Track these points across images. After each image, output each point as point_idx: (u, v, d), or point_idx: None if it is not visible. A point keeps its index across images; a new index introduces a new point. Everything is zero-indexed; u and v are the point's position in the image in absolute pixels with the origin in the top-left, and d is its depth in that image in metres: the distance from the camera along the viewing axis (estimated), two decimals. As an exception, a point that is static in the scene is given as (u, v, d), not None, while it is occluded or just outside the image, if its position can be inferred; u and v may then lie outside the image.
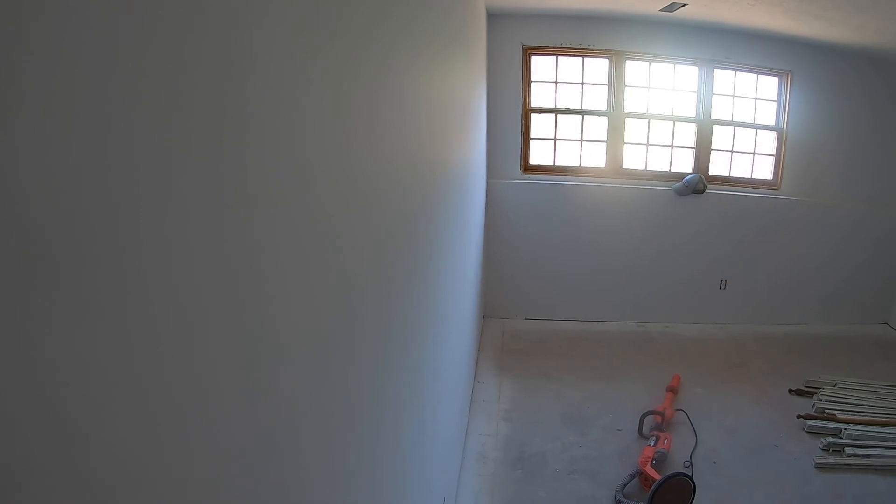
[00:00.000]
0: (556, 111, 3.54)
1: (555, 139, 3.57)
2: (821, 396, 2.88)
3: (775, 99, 3.86)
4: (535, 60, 3.52)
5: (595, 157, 3.61)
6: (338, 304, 0.64)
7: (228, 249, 0.38)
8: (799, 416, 2.70)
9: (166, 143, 0.30)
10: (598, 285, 3.69)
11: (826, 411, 2.74)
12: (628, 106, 3.57)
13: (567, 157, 3.60)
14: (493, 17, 3.43)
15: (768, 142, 3.89)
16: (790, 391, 2.99)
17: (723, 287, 3.85)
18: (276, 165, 0.45)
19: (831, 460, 2.42)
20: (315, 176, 0.54)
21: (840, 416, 2.70)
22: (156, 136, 0.29)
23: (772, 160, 3.90)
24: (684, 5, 3.18)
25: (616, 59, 3.54)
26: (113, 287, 0.26)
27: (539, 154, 3.58)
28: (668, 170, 3.69)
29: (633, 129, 3.60)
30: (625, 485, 2.14)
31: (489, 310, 3.66)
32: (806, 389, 2.99)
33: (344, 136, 0.62)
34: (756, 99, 3.82)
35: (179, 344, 0.32)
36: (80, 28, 0.23)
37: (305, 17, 0.48)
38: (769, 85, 3.84)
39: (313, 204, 0.54)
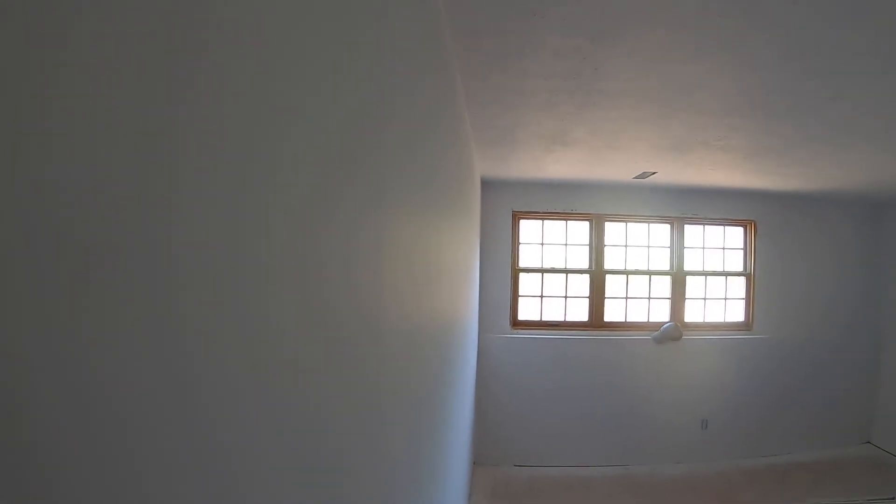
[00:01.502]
0: (542, 270, 3.90)
1: (541, 296, 3.92)
2: (806, 521, 2.98)
3: (741, 247, 4.26)
4: (524, 224, 3.93)
5: (578, 312, 3.94)
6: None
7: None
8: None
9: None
10: (585, 431, 3.90)
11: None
12: (608, 263, 3.95)
13: (553, 312, 3.92)
14: (487, 184, 3.86)
15: (738, 286, 4.24)
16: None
17: (704, 427, 4.06)
18: (303, 328, 0.45)
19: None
20: (333, 334, 0.54)
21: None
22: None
23: (742, 303, 4.24)
24: (654, 173, 3.61)
25: (596, 221, 3.95)
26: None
27: (527, 310, 3.91)
28: (646, 320, 4.01)
29: (613, 284, 3.96)
30: None
31: (479, 457, 3.84)
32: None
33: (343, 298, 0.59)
34: (724, 249, 4.21)
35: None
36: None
37: (315, 189, 0.47)
38: (735, 234, 4.26)
39: (331, 362, 0.53)
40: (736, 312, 4.24)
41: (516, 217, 3.91)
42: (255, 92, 0.36)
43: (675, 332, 3.91)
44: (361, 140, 0.60)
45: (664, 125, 2.50)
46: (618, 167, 3.41)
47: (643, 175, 3.67)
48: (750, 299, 4.23)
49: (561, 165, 3.39)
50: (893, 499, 3.31)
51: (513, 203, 3.89)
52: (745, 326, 4.21)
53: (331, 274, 0.51)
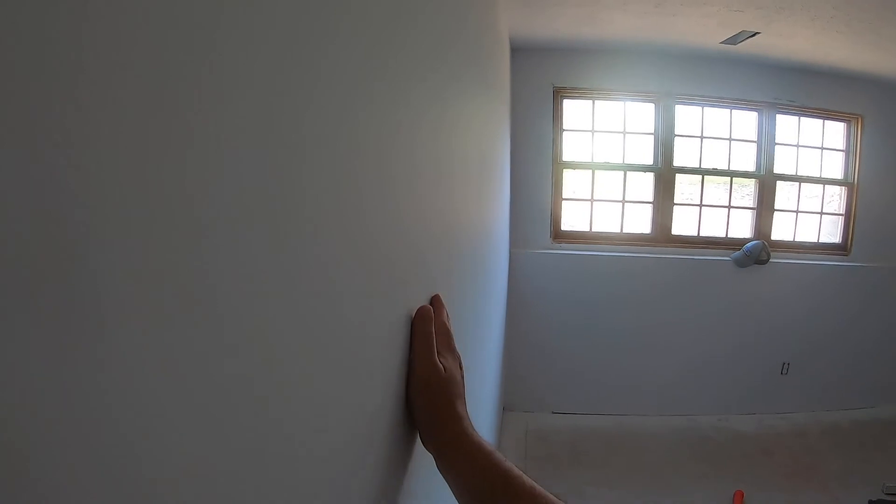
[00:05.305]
0: (592, 167, 2.96)
1: (591, 200, 2.99)
2: (909, 505, 2.40)
3: (843, 148, 3.30)
4: (568, 105, 2.95)
5: (640, 222, 3.02)
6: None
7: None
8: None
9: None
10: (641, 373, 3.08)
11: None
12: (678, 159, 2.99)
13: (606, 221, 3.01)
14: (519, 51, 2.86)
15: (834, 199, 3.32)
16: (870, 503, 2.50)
17: (785, 371, 3.25)
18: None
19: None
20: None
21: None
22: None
23: (840, 220, 3.32)
24: (754, 35, 2.63)
25: (664, 103, 2.97)
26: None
27: (573, 218, 3.00)
28: (724, 235, 3.10)
29: (684, 187, 3.02)
30: None
31: (510, 401, 3.04)
32: (889, 499, 2.52)
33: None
34: (822, 149, 3.25)
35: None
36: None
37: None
38: (836, 131, 3.28)
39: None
40: (830, 232, 3.33)
41: (558, 95, 2.93)
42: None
43: (762, 252, 3.01)
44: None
45: None
46: (706, 21, 2.42)
47: (737, 37, 2.68)
48: (851, 216, 3.30)
49: (625, 13, 2.39)
50: None
51: (554, 77, 2.90)
52: (842, 250, 3.31)
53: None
